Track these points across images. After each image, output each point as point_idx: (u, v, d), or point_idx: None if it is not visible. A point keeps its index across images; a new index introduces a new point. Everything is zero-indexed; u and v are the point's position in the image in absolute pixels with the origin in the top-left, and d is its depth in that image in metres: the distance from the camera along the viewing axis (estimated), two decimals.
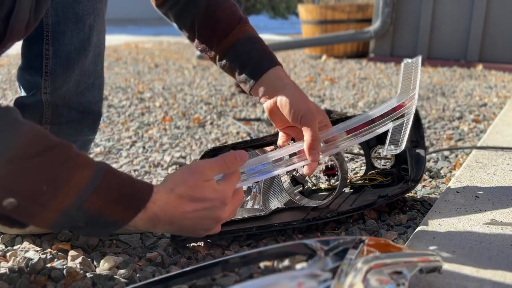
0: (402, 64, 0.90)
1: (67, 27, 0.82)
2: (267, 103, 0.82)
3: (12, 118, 0.51)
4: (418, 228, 0.86)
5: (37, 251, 0.85)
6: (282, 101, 0.79)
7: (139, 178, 1.26)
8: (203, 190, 0.63)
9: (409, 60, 0.90)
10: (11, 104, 0.85)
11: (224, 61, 0.83)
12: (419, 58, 0.88)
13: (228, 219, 0.70)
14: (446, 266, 0.72)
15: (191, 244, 0.87)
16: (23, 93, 0.89)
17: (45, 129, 0.86)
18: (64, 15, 0.81)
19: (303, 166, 0.82)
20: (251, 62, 0.81)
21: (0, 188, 0.50)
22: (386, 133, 1.03)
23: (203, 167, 0.64)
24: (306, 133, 0.77)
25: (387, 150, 0.85)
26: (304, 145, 0.78)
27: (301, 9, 4.57)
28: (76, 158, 0.54)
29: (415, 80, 0.86)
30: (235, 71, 0.83)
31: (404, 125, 0.84)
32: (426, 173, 1.23)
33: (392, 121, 0.84)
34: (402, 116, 0.84)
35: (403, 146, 0.83)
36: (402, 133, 0.83)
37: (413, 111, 0.85)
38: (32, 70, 0.86)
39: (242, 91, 2.37)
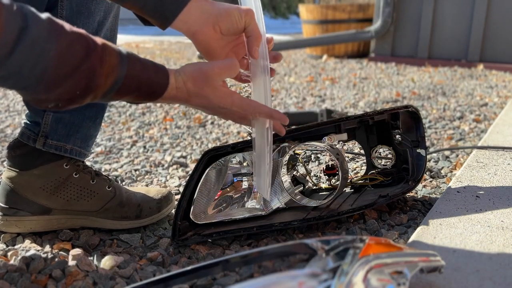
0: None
1: (79, 20, 0.86)
2: (199, 35, 0.76)
3: (54, 32, 0.56)
4: (419, 228, 0.86)
5: (38, 250, 0.85)
6: (220, 17, 0.74)
7: (139, 177, 1.26)
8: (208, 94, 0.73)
9: None
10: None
11: None
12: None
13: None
14: (447, 266, 0.72)
15: (192, 244, 0.87)
16: None
17: (48, 116, 0.88)
18: (78, 9, 0.85)
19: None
20: None
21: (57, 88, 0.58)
22: (387, 133, 1.03)
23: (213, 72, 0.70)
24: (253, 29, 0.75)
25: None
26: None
27: (302, 9, 4.57)
28: (101, 70, 0.60)
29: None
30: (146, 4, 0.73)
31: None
32: (427, 173, 1.23)
33: None
34: None
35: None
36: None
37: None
38: None
39: None
